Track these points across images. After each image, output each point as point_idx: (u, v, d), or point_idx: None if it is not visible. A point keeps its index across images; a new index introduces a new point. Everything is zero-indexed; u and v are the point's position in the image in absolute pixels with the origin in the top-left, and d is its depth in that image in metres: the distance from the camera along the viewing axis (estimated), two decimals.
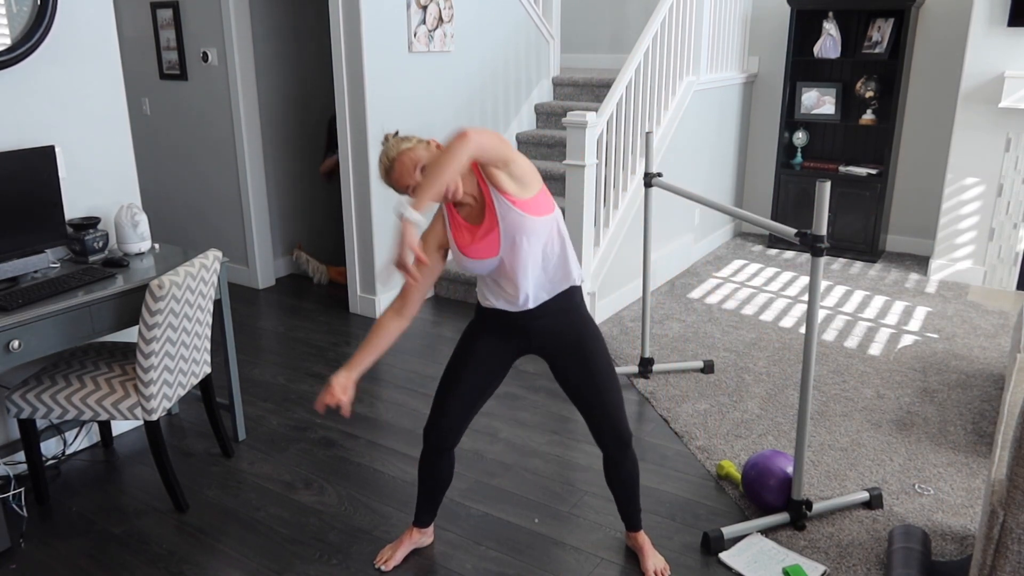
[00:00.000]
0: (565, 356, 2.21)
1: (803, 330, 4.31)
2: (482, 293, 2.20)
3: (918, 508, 2.73)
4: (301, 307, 4.78)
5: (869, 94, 5.37)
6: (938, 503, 2.76)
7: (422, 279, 2.10)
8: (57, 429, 3.02)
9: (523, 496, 2.83)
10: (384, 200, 4.43)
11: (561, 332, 2.19)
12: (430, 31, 4.46)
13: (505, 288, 2.13)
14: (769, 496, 2.66)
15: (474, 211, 2.08)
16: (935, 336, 4.22)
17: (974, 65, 4.72)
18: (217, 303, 3.04)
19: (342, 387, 2.05)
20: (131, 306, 2.74)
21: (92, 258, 2.93)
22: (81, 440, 3.16)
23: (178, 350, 2.70)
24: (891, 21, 5.24)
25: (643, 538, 2.48)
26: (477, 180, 2.05)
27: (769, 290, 4.96)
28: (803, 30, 5.53)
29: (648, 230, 3.61)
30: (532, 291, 2.11)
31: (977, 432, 3.23)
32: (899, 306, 4.68)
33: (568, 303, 2.18)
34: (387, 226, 4.50)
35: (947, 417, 3.36)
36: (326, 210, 5.57)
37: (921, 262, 5.53)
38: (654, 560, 2.44)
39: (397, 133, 2.08)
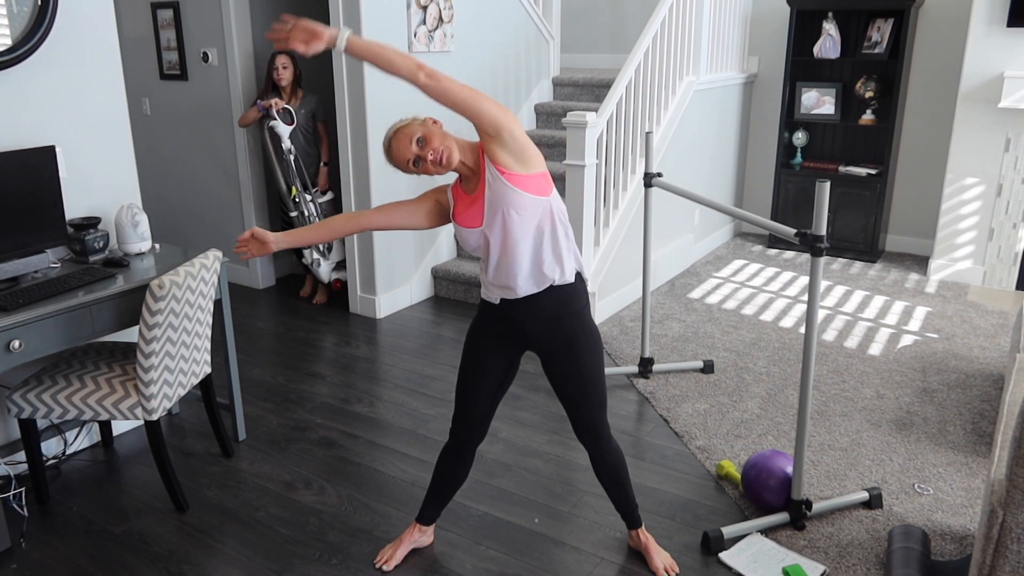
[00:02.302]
0: (557, 355, 2.22)
1: (803, 330, 4.31)
2: (483, 282, 2.25)
3: (918, 508, 2.74)
4: (301, 307, 4.78)
5: (869, 94, 5.37)
6: (938, 503, 2.76)
7: (391, 214, 2.18)
8: (58, 429, 3.02)
9: (523, 496, 2.83)
10: (383, 198, 4.43)
11: (558, 333, 2.20)
12: (430, 31, 4.47)
13: (496, 269, 2.14)
14: (769, 496, 2.66)
15: (471, 183, 2.15)
16: (935, 336, 4.22)
17: (974, 65, 4.72)
18: (217, 303, 3.04)
19: (260, 238, 2.18)
20: (131, 306, 2.74)
21: (92, 258, 2.93)
22: (81, 440, 3.17)
23: (178, 350, 2.70)
24: (891, 21, 5.24)
25: (645, 536, 2.48)
26: (478, 154, 2.12)
27: (769, 290, 4.97)
28: (803, 30, 5.54)
29: (648, 230, 3.61)
30: (521, 277, 2.11)
31: (977, 432, 3.23)
32: (899, 306, 4.68)
33: (567, 307, 2.18)
34: None
35: (947, 417, 3.36)
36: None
37: (921, 262, 5.53)
38: (660, 557, 2.45)
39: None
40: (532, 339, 2.22)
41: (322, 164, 4.67)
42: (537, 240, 2.09)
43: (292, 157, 4.38)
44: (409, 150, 2.06)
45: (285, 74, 4.40)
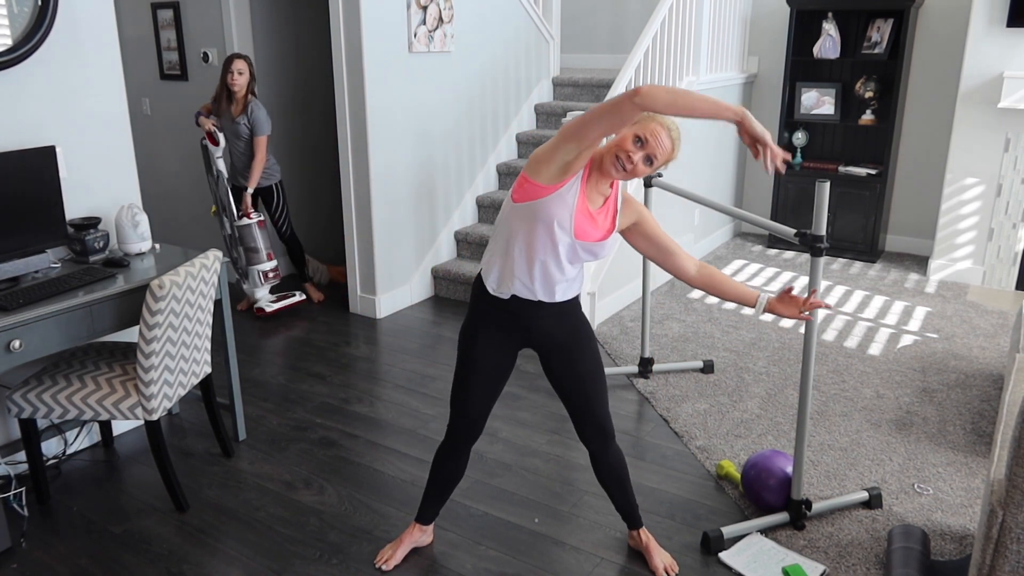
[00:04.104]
0: (558, 354, 2.24)
1: (803, 330, 4.31)
2: (500, 276, 2.15)
3: (917, 508, 2.74)
4: (301, 307, 4.78)
5: (869, 94, 5.38)
6: (937, 503, 2.76)
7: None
8: (58, 429, 3.02)
9: (523, 496, 2.83)
10: (384, 199, 4.43)
11: (558, 332, 2.23)
12: (430, 31, 4.47)
13: (538, 275, 2.12)
14: (769, 496, 2.67)
15: (596, 198, 2.12)
16: (935, 336, 4.22)
17: (973, 65, 4.72)
18: (217, 303, 3.05)
19: None
20: (131, 306, 2.74)
21: (93, 258, 2.93)
22: (82, 440, 3.17)
23: (178, 350, 2.70)
24: (890, 21, 5.24)
25: (646, 535, 2.49)
26: (611, 189, 2.14)
27: (769, 290, 4.97)
28: (803, 30, 5.54)
29: None
30: (553, 287, 2.15)
31: (976, 432, 3.23)
32: (899, 306, 4.68)
33: (570, 308, 2.24)
34: (386, 225, 4.50)
35: (946, 417, 3.36)
36: (326, 210, 5.57)
37: (921, 262, 5.54)
38: (660, 556, 2.45)
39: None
40: (535, 335, 2.22)
41: (245, 190, 4.33)
42: (578, 266, 2.19)
43: (217, 178, 4.23)
44: (652, 148, 1.99)
45: (240, 80, 4.19)
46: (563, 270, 2.12)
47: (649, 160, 2.01)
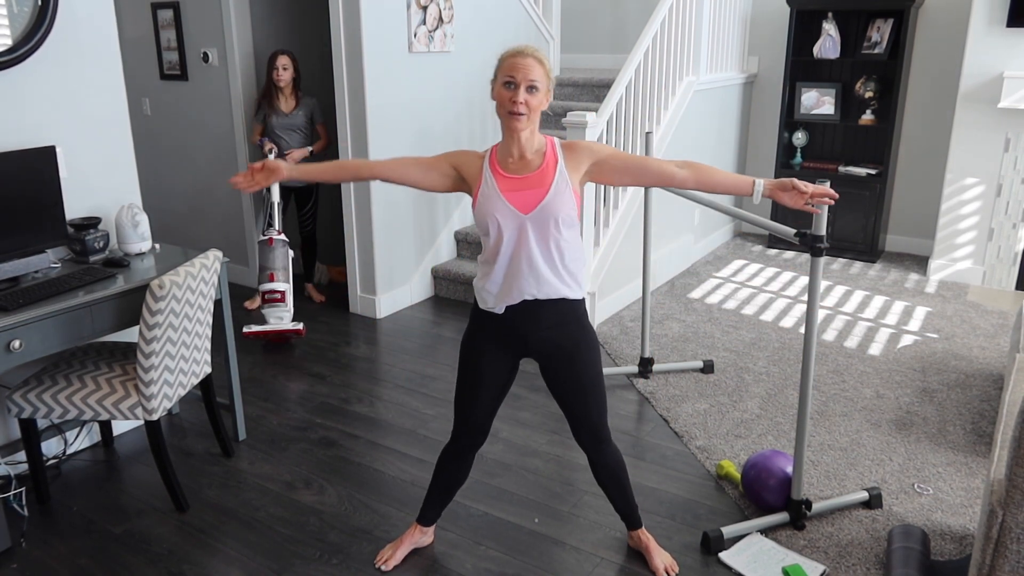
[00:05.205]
0: (556, 359, 2.22)
1: (803, 330, 4.31)
2: (482, 288, 2.19)
3: (917, 508, 2.74)
4: (301, 307, 4.78)
5: (868, 94, 5.38)
6: (937, 503, 2.76)
7: (405, 169, 2.16)
8: (58, 429, 3.02)
9: (523, 496, 2.83)
10: (384, 199, 4.43)
11: (556, 337, 2.20)
12: (430, 31, 4.47)
13: (506, 271, 2.13)
14: (769, 496, 2.67)
15: (520, 166, 2.11)
16: (935, 336, 4.22)
17: (973, 65, 4.72)
18: (217, 303, 3.05)
19: (271, 167, 2.11)
20: (131, 306, 2.74)
21: (93, 258, 2.93)
22: (82, 440, 3.17)
23: (178, 350, 2.70)
24: (890, 21, 5.24)
25: (646, 536, 2.49)
26: (546, 148, 2.11)
27: (769, 290, 4.97)
28: (803, 30, 5.54)
29: (648, 230, 3.62)
30: (529, 279, 2.12)
31: (976, 432, 3.23)
32: (899, 306, 4.68)
33: (569, 315, 2.20)
34: (386, 225, 4.50)
35: (946, 417, 3.36)
36: (326, 209, 5.57)
37: (921, 262, 5.54)
38: (660, 557, 2.45)
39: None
40: (533, 347, 2.21)
41: (310, 150, 4.54)
42: (556, 252, 2.11)
43: (267, 200, 4.40)
44: (524, 79, 2.01)
45: (285, 75, 4.36)
46: (543, 253, 2.10)
47: (532, 89, 2.03)
